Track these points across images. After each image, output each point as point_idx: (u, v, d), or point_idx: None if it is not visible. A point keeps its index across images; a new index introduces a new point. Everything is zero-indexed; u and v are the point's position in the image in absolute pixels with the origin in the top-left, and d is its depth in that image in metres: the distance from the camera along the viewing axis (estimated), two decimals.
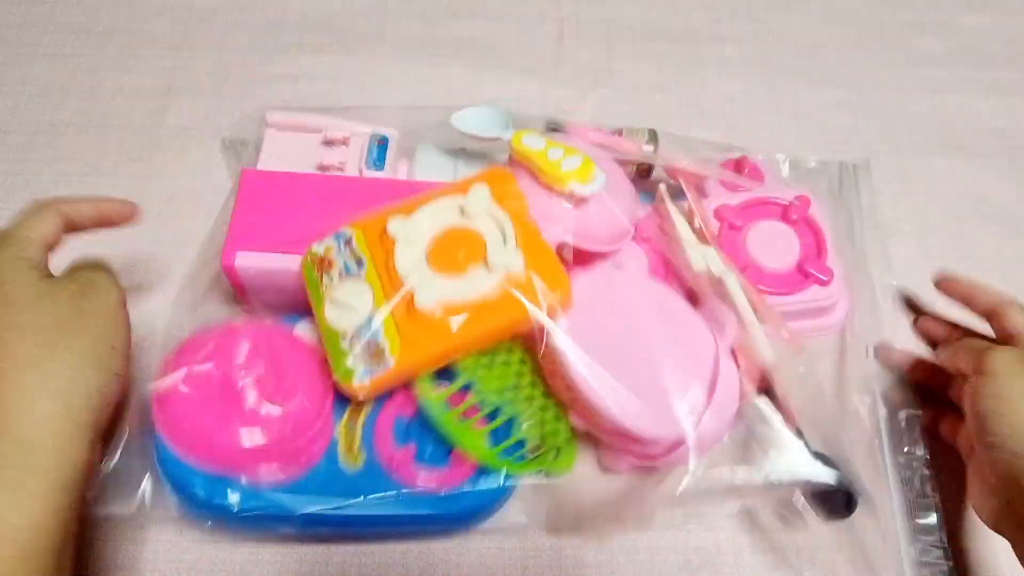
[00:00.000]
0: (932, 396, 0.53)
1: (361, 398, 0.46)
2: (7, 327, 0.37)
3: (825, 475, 0.47)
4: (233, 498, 0.45)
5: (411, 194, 0.52)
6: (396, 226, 0.48)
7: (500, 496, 0.48)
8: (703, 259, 0.52)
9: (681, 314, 0.50)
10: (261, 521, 0.46)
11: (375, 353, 0.45)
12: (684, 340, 0.49)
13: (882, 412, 0.53)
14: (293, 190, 0.53)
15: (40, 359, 0.36)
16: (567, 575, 0.50)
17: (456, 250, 0.48)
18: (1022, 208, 0.65)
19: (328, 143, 0.58)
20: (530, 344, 0.48)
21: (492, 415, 0.47)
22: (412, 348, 0.44)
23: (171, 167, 0.65)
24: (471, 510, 0.48)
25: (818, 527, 0.48)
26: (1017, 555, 0.42)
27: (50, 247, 0.42)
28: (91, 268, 0.43)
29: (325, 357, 0.47)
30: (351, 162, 0.57)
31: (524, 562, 0.50)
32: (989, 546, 0.50)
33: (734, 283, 0.51)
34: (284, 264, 0.50)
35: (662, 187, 0.56)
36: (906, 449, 0.52)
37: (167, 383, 0.46)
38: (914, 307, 0.59)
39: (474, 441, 0.46)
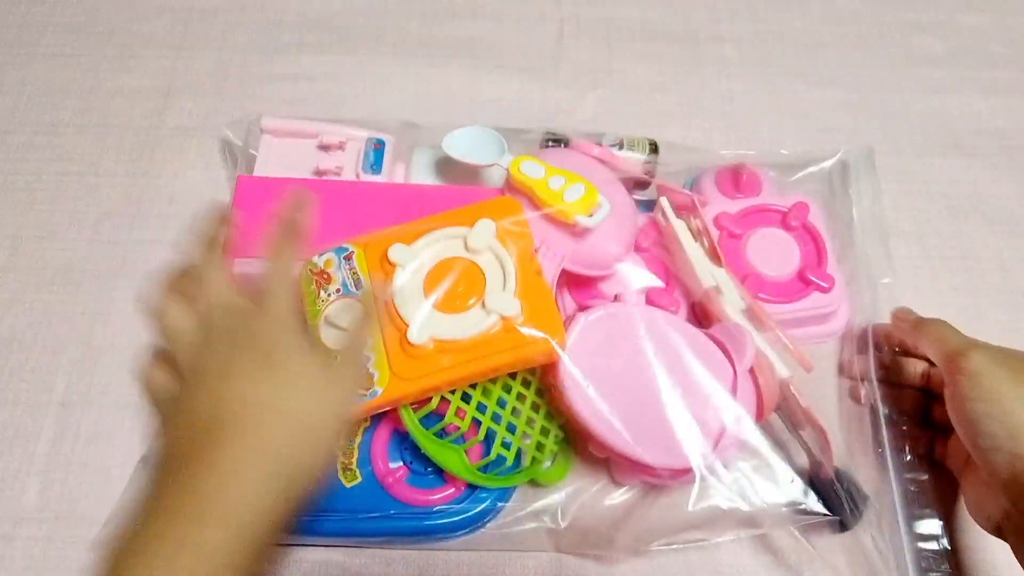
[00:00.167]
0: (918, 420, 0.53)
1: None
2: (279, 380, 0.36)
3: (815, 505, 0.47)
4: None
5: (408, 198, 0.53)
6: (398, 254, 0.47)
7: (488, 511, 0.49)
8: (712, 277, 0.52)
9: (691, 341, 0.49)
10: None
11: (365, 379, 0.45)
12: (695, 368, 0.47)
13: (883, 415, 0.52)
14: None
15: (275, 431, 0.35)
16: (566, 574, 0.50)
17: (456, 285, 0.47)
18: (1022, 208, 0.65)
19: (324, 148, 0.58)
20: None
21: (480, 427, 0.48)
22: (401, 381, 0.45)
23: (171, 167, 0.65)
24: (461, 523, 0.48)
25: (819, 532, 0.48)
26: (1019, 559, 0.42)
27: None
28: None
29: None
30: (348, 166, 0.57)
31: (524, 562, 0.50)
32: (990, 555, 0.50)
33: (737, 302, 0.51)
34: None
35: (663, 201, 0.55)
36: (908, 457, 0.51)
37: None
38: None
39: (450, 458, 0.47)
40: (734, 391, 0.47)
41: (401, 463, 0.49)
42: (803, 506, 0.48)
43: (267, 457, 0.34)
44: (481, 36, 0.73)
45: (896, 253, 0.59)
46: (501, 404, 0.48)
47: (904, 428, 0.51)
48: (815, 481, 0.49)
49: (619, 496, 0.50)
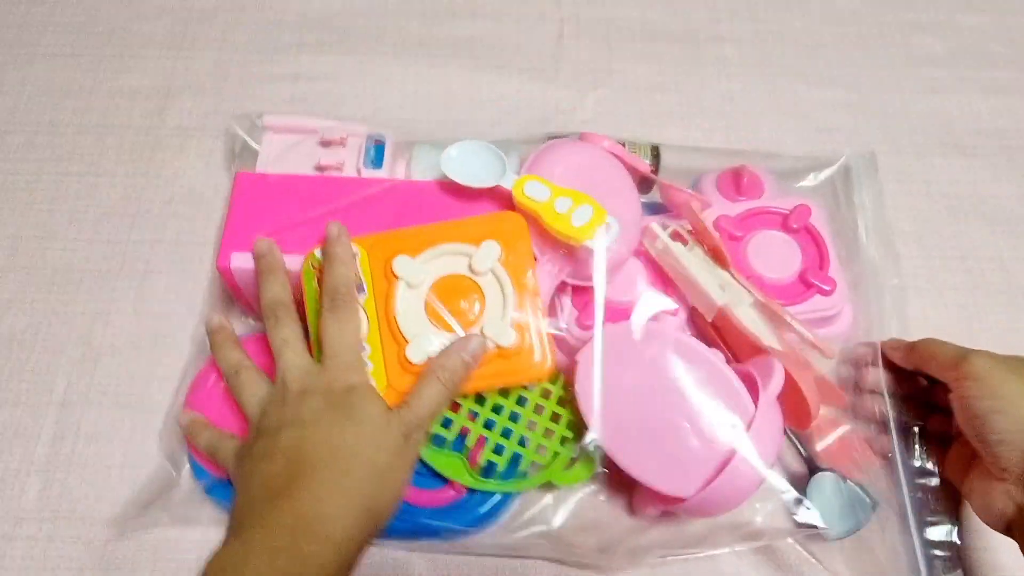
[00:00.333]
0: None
1: None
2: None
3: (813, 519, 0.47)
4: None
5: (409, 195, 0.52)
6: (402, 267, 0.48)
7: (486, 515, 0.49)
8: (720, 288, 0.51)
9: (712, 370, 0.47)
10: None
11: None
12: (714, 397, 0.46)
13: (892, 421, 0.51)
14: (288, 192, 0.53)
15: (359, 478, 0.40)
16: (566, 572, 0.50)
17: (455, 304, 0.48)
18: (1022, 208, 0.65)
19: (325, 144, 0.58)
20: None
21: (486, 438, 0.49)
22: (397, 394, 0.45)
23: (171, 167, 0.65)
24: (458, 525, 0.48)
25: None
26: None
27: None
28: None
29: None
30: (349, 162, 0.57)
31: (524, 571, 0.50)
32: (1000, 556, 0.50)
33: (748, 311, 0.50)
34: None
35: (654, 226, 0.53)
36: (918, 463, 0.51)
37: (191, 402, 0.50)
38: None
39: (450, 464, 0.48)
40: (750, 423, 0.45)
41: None
42: (797, 517, 0.48)
43: (353, 491, 0.39)
44: (481, 36, 0.73)
45: (896, 253, 0.59)
46: (497, 410, 0.49)
47: (915, 433, 0.51)
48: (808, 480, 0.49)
49: (619, 508, 0.51)
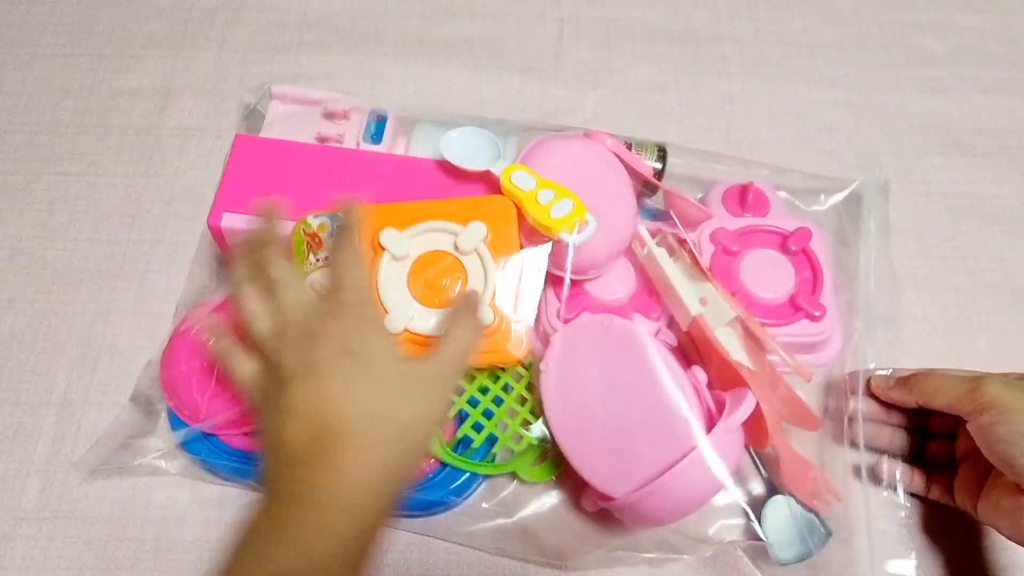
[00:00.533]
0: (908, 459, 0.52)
1: None
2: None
3: (762, 539, 0.47)
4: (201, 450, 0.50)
5: (402, 170, 0.53)
6: (388, 239, 0.48)
7: (453, 491, 0.50)
8: (698, 298, 0.51)
9: (677, 383, 0.47)
10: (229, 472, 0.50)
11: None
12: (672, 408, 0.46)
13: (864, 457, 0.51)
14: (285, 158, 0.54)
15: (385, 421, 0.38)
16: (568, 574, 0.50)
17: (438, 280, 0.48)
18: (1022, 208, 0.65)
19: (328, 116, 0.58)
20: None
21: (466, 415, 0.50)
22: None
23: (171, 167, 0.65)
24: (420, 505, 0.50)
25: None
26: None
27: None
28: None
29: None
30: (349, 135, 0.58)
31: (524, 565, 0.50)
32: None
33: (725, 328, 0.50)
34: None
35: (641, 229, 0.53)
36: (885, 493, 0.51)
37: (170, 351, 0.51)
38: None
39: None
40: (695, 445, 0.44)
41: None
42: (745, 536, 0.48)
43: (375, 460, 0.37)
44: (481, 36, 0.73)
45: (896, 253, 0.59)
46: (484, 391, 0.50)
47: (887, 466, 0.51)
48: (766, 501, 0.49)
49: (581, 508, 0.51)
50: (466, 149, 0.53)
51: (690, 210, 0.55)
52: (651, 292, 0.54)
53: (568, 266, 0.49)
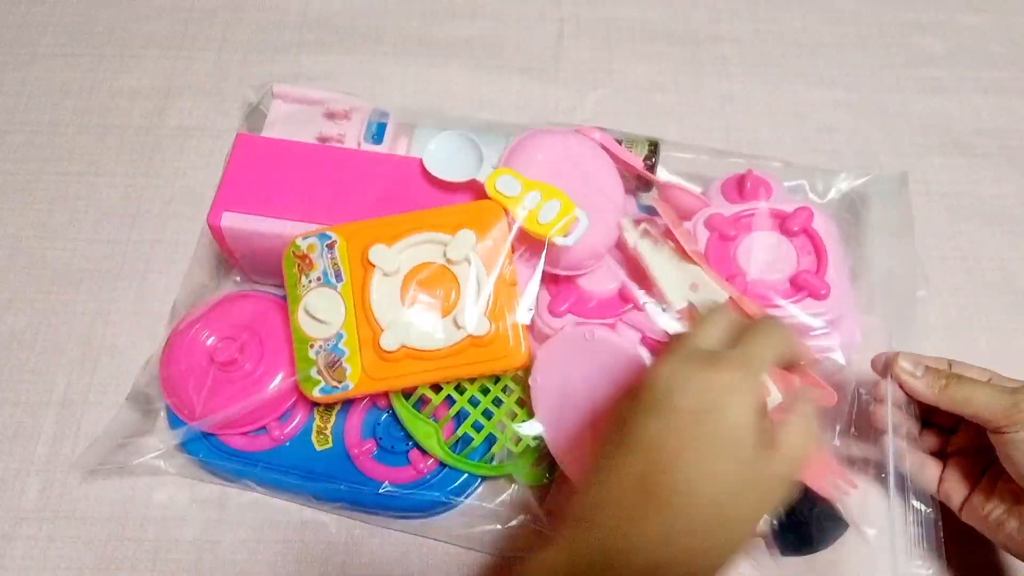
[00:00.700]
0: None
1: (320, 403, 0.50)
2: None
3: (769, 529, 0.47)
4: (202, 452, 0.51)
5: (402, 170, 0.53)
6: (377, 256, 0.48)
7: (453, 491, 0.50)
8: (683, 291, 0.49)
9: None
10: (228, 472, 0.51)
11: (337, 372, 0.47)
12: None
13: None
14: (286, 157, 0.54)
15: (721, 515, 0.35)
16: None
17: (431, 293, 0.48)
18: (1022, 208, 0.65)
19: (330, 116, 0.58)
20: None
21: (466, 415, 0.50)
22: (371, 380, 0.47)
23: (171, 167, 0.65)
24: (418, 505, 0.50)
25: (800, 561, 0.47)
26: None
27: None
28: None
29: None
30: (350, 135, 0.57)
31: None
32: None
33: (718, 294, 0.49)
34: (270, 228, 0.51)
35: (624, 221, 0.52)
36: (913, 498, 0.48)
37: (168, 349, 0.52)
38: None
39: (424, 431, 0.49)
40: None
41: (372, 438, 0.51)
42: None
43: (693, 535, 0.34)
44: (481, 36, 0.73)
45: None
46: (484, 391, 0.50)
47: (912, 469, 0.49)
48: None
49: None
50: (449, 158, 0.52)
51: (686, 199, 0.55)
52: (641, 283, 0.52)
53: (564, 265, 0.49)
